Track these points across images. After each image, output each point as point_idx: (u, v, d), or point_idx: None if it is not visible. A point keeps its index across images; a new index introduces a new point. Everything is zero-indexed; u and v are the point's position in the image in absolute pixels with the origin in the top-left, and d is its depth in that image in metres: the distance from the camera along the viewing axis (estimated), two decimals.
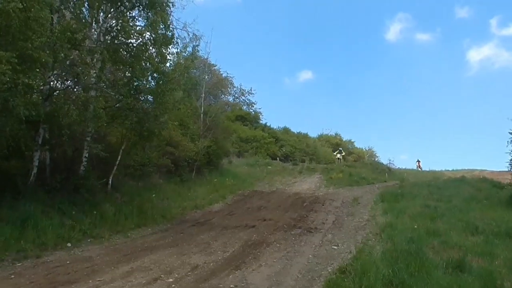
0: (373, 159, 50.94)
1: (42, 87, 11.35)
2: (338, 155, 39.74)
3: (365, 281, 6.66)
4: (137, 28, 13.56)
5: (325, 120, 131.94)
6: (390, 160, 51.85)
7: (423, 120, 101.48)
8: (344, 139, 57.24)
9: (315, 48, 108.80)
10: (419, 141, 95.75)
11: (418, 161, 42.93)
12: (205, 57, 29.59)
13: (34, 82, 9.42)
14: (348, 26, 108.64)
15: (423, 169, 41.91)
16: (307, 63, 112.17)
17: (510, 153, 17.04)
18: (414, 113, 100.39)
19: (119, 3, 13.46)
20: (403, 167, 40.82)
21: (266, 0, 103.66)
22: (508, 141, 17.06)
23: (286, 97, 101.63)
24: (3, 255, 8.35)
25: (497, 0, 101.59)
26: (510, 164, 17.15)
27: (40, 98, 11.67)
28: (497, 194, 18.77)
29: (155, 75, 14.28)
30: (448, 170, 41.57)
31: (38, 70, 10.14)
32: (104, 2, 13.05)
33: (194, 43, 22.07)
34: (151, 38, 13.62)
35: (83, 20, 12.91)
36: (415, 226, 11.56)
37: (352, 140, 59.48)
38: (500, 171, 31.63)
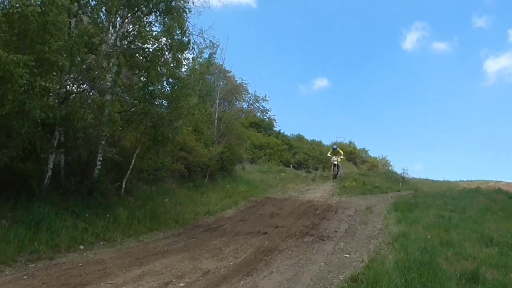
0: (387, 168, 50.67)
1: (58, 90, 11.45)
2: (334, 159, 28.94)
3: None
4: (154, 33, 13.66)
5: (339, 128, 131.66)
6: (404, 169, 51.51)
7: (439, 130, 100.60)
8: (358, 148, 57.05)
9: (331, 56, 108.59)
10: (434, 151, 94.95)
11: None
12: (220, 63, 29.69)
13: (51, 85, 9.50)
14: (365, 35, 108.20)
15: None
16: (323, 71, 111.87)
17: None
18: (430, 122, 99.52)
19: (136, 9, 13.59)
20: (417, 177, 40.53)
21: (281, 7, 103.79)
22: None
23: (300, 105, 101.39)
24: (16, 256, 8.42)
25: None
26: None
27: (56, 101, 11.80)
28: None
29: (170, 80, 14.36)
30: (463, 181, 41.24)
31: (55, 73, 10.26)
32: (121, 7, 13.17)
33: (210, 50, 22.13)
34: (167, 43, 13.69)
35: (100, 25, 13.04)
36: (429, 236, 11.43)
37: (366, 149, 59.21)
38: None
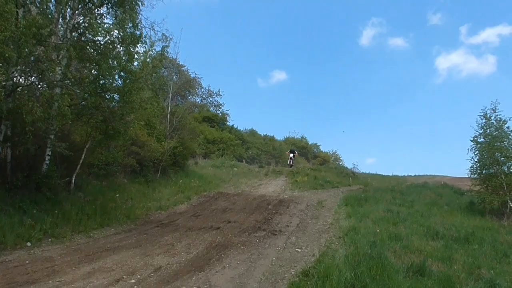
0: (338, 163, 51.72)
1: (5, 83, 11.07)
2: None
3: (327, 285, 6.77)
4: (105, 26, 13.37)
5: (292, 123, 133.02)
6: (354, 164, 52.69)
7: (391, 126, 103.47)
8: (310, 143, 57.91)
9: (289, 49, 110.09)
10: (385, 146, 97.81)
11: None
12: (173, 57, 29.45)
13: None
14: (323, 29, 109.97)
15: None
16: (281, 64, 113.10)
17: (471, 160, 17.50)
18: (383, 118, 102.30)
19: (87, 0, 13.28)
20: (367, 172, 41.50)
21: (239, 2, 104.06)
22: (468, 148, 17.55)
23: (257, 99, 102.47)
24: None
25: (468, 8, 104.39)
26: (470, 171, 17.58)
27: (3, 93, 11.41)
28: (457, 200, 19.40)
29: (122, 73, 14.10)
30: (411, 176, 42.43)
31: (1, 65, 9.93)
32: None
33: (163, 43, 21.93)
34: (119, 36, 13.46)
35: (50, 16, 12.63)
36: (378, 230, 11.81)
37: (318, 144, 60.24)
38: (460, 177, 32.45)
